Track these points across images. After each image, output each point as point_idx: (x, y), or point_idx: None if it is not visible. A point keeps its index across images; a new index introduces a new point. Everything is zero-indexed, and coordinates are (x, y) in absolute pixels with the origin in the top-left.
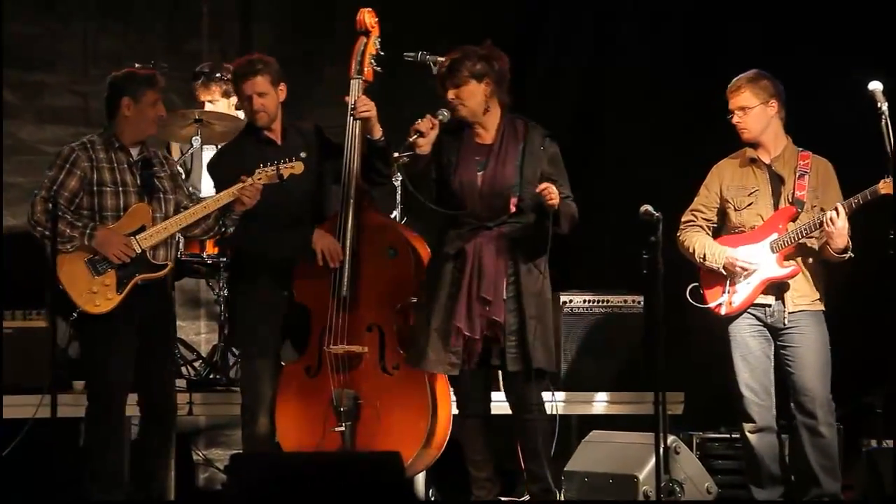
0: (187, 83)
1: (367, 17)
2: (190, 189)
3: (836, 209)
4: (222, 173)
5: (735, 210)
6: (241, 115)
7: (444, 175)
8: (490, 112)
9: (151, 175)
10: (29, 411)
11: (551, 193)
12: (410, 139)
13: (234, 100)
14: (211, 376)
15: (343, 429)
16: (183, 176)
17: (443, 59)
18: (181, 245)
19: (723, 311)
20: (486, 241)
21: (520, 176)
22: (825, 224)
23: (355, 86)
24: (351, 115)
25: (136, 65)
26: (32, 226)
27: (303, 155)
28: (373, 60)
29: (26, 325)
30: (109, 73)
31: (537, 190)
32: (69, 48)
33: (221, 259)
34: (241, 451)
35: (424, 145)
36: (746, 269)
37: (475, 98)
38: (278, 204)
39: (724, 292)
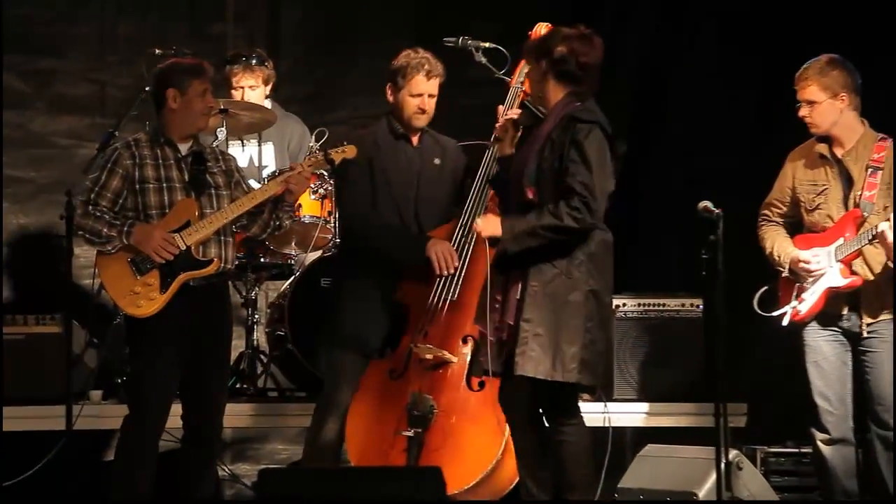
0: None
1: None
2: (250, 185)
3: (884, 229)
4: (356, 162)
5: (806, 210)
6: (268, 104)
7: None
8: (547, 97)
9: (202, 170)
10: (42, 423)
11: (476, 227)
12: (492, 147)
13: (268, 88)
14: (238, 385)
15: (411, 434)
16: (242, 172)
17: (486, 44)
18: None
19: (785, 321)
20: None
21: (536, 164)
22: (878, 239)
23: (513, 94)
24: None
25: (157, 51)
26: (76, 231)
27: (437, 161)
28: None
29: (39, 331)
30: (128, 60)
31: None
32: (84, 32)
33: (248, 260)
34: (270, 467)
35: (506, 148)
36: (810, 271)
37: (533, 81)
38: (409, 204)
39: (792, 299)
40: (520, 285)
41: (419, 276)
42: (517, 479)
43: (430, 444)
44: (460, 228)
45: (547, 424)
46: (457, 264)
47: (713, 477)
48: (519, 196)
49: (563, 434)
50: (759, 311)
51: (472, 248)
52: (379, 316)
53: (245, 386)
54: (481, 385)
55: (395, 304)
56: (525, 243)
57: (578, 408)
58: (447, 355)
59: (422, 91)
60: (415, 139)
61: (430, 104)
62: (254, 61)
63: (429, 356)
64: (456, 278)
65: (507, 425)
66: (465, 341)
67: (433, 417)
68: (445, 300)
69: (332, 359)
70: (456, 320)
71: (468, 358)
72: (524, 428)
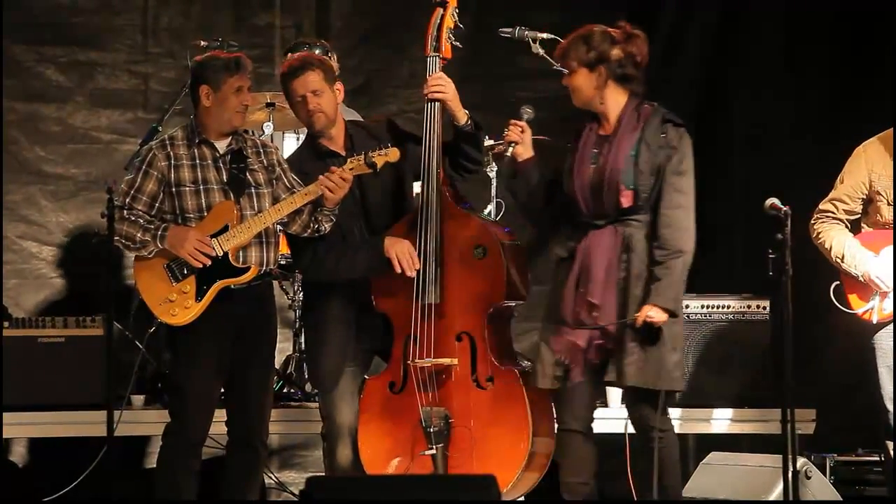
0: (258, 62)
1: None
2: (292, 179)
3: None
4: None
5: (888, 205)
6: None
7: (562, 178)
8: (608, 102)
9: (242, 169)
10: (81, 429)
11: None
12: (507, 153)
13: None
14: (284, 390)
15: (434, 452)
16: (284, 165)
17: (543, 35)
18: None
19: (874, 318)
20: (595, 241)
21: (634, 165)
22: None
23: (432, 64)
24: (423, 96)
25: (202, 42)
26: (116, 239)
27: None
28: (451, 35)
29: (80, 334)
30: (171, 52)
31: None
32: (126, 23)
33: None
34: (317, 474)
35: (523, 152)
36: (883, 290)
37: (585, 88)
38: (354, 217)
39: (873, 296)
40: (614, 289)
41: (391, 279)
42: (548, 464)
43: (456, 458)
44: (422, 222)
45: (634, 431)
46: (418, 265)
47: (780, 486)
48: (610, 201)
49: (655, 442)
50: (840, 307)
51: (440, 233)
52: (354, 338)
53: (292, 390)
54: (490, 380)
55: (375, 314)
56: (681, 293)
57: (669, 415)
58: (447, 361)
59: (300, 93)
60: (340, 148)
61: (320, 101)
62: (317, 51)
63: (428, 366)
64: (434, 278)
65: (531, 415)
66: (459, 339)
67: (451, 429)
68: (428, 303)
69: (320, 393)
70: (445, 320)
71: (469, 356)
72: (588, 438)
